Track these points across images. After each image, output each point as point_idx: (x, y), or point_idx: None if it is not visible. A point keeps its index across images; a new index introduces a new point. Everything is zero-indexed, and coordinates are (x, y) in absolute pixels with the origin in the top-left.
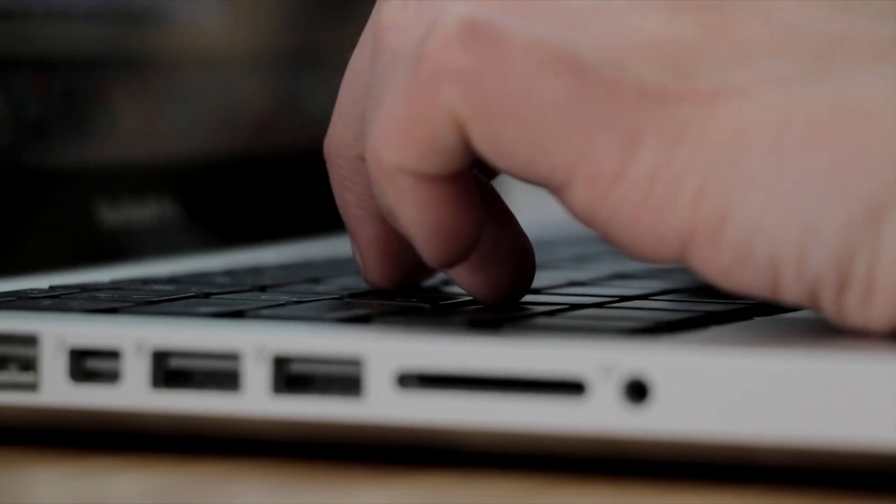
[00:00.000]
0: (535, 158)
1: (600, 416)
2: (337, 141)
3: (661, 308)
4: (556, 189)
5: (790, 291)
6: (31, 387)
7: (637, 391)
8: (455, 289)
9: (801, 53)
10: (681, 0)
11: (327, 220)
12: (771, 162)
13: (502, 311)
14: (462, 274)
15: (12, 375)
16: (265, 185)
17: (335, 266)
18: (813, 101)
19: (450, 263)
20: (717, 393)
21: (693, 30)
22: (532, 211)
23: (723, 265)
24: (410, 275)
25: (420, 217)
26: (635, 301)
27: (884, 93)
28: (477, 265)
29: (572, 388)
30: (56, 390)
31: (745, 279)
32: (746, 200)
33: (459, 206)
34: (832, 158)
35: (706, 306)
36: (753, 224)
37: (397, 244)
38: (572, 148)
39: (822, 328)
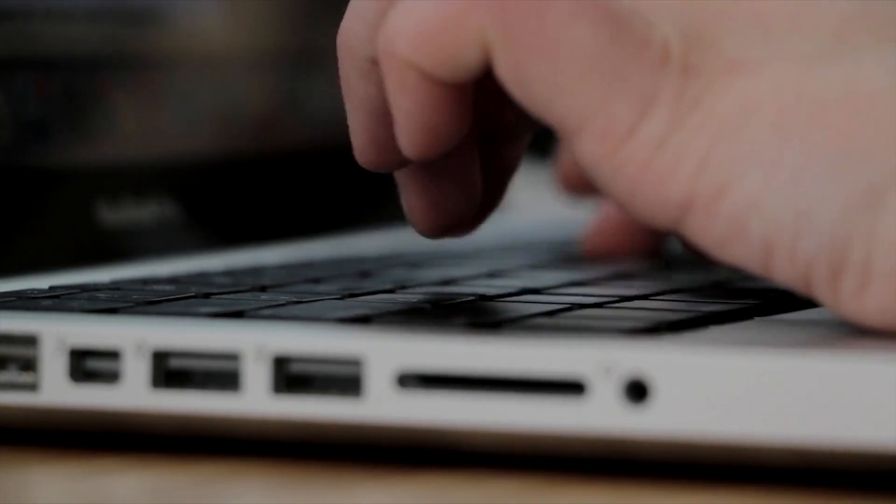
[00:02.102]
0: (553, 100)
1: (600, 416)
2: (352, 37)
3: (661, 308)
4: (567, 133)
5: (782, 272)
6: (31, 387)
7: (637, 391)
8: (455, 289)
9: (819, 29)
10: None
11: (327, 220)
12: (774, 140)
13: (502, 312)
14: (413, 187)
15: (12, 375)
16: (265, 185)
17: (335, 266)
18: (823, 82)
19: (424, 157)
20: (717, 393)
21: (722, 4)
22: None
23: (717, 236)
24: (391, 160)
25: (414, 111)
26: (635, 301)
27: (890, 77)
28: (432, 185)
29: (572, 388)
30: (56, 390)
31: (738, 253)
32: (746, 175)
33: (454, 111)
34: (834, 142)
35: (706, 306)
36: (750, 199)
37: (386, 133)
38: (591, 98)
39: (821, 328)
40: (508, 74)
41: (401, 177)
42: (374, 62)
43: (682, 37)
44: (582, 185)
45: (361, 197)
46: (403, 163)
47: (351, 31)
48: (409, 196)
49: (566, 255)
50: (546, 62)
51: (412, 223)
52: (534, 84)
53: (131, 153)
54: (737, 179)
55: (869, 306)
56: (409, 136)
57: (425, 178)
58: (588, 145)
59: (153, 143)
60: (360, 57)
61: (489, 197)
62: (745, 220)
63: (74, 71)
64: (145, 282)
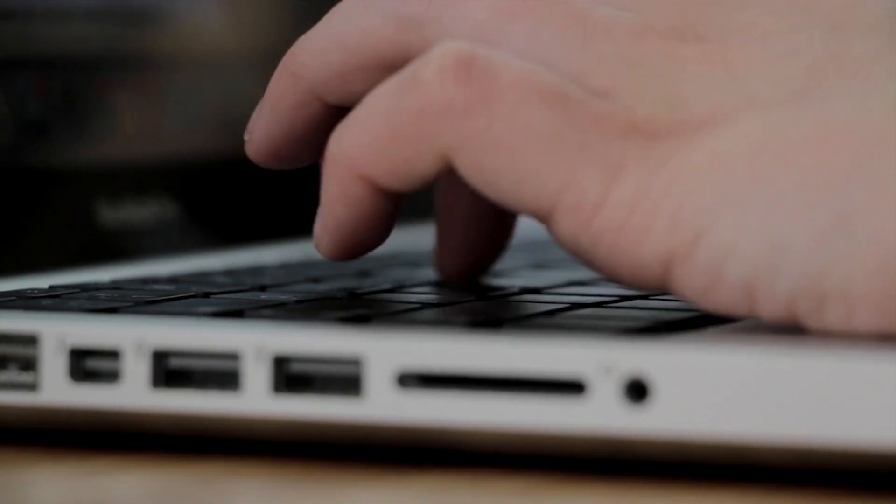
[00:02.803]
0: (520, 188)
1: (600, 415)
2: (306, 69)
3: (661, 308)
4: (542, 218)
5: (767, 311)
6: (31, 387)
7: (637, 391)
8: (454, 289)
9: (789, 75)
10: (687, 27)
11: None
12: (743, 183)
13: (502, 312)
14: (448, 246)
15: (12, 375)
16: (265, 185)
17: (335, 266)
18: (789, 122)
19: (337, 259)
20: (716, 393)
21: (693, 62)
22: None
23: (699, 286)
24: (282, 164)
25: (347, 221)
26: (635, 301)
27: (861, 109)
28: (461, 246)
29: (572, 387)
30: (56, 390)
31: (722, 299)
32: (719, 221)
33: (385, 222)
34: (803, 176)
35: None
36: (725, 244)
37: (289, 147)
38: (557, 177)
39: None
40: (472, 175)
41: (446, 222)
42: (317, 98)
43: (650, 105)
44: None
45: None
46: (287, 166)
47: (307, 64)
48: (448, 240)
49: (566, 254)
50: (504, 154)
51: (439, 265)
52: (498, 178)
53: (131, 153)
54: (710, 227)
55: (860, 331)
56: (333, 241)
57: (471, 227)
58: (563, 223)
59: (153, 143)
60: (304, 89)
61: (492, 252)
62: (721, 265)
63: (74, 71)
64: (145, 281)
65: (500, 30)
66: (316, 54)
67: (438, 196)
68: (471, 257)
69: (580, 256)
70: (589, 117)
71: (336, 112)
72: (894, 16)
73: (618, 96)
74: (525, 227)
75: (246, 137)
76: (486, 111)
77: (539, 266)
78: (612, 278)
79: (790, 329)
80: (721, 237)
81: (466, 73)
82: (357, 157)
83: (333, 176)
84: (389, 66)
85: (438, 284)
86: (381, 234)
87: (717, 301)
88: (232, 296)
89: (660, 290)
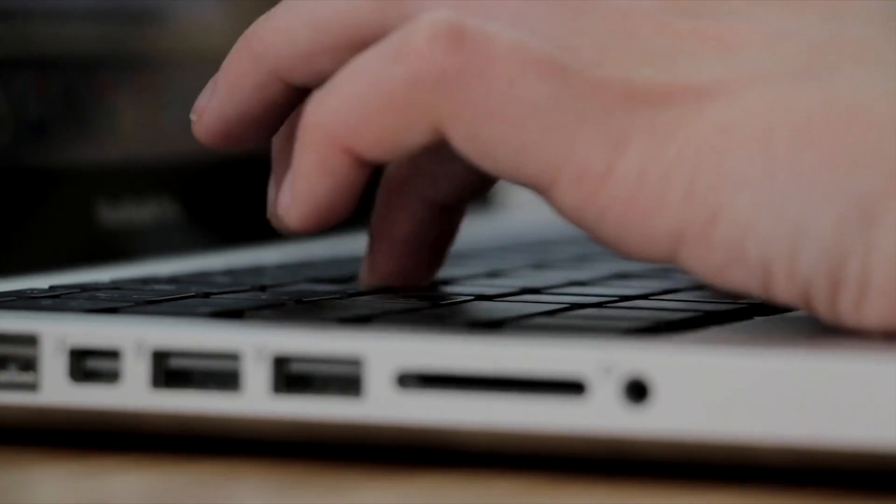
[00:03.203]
0: (519, 159)
1: (600, 416)
2: (268, 48)
3: (661, 308)
4: (542, 190)
5: (782, 291)
6: (31, 387)
7: (637, 391)
8: (455, 289)
9: (789, 53)
10: (678, 8)
11: None
12: (759, 161)
13: (502, 312)
14: (383, 255)
15: (12, 375)
16: (265, 185)
17: (335, 266)
18: (801, 99)
19: (303, 232)
20: (716, 393)
21: (685, 35)
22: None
23: (715, 264)
24: (231, 144)
25: (321, 192)
26: (635, 301)
27: (872, 91)
28: (400, 252)
29: (572, 388)
30: (56, 390)
31: (738, 278)
32: (736, 199)
33: (356, 194)
34: (822, 158)
35: (706, 306)
36: (744, 222)
37: (240, 127)
38: (558, 148)
39: (821, 328)
40: (468, 146)
41: (392, 224)
42: (280, 79)
43: (646, 72)
44: None
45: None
46: (234, 147)
47: (272, 44)
48: (378, 256)
49: (566, 254)
50: (502, 125)
51: (369, 269)
52: (495, 150)
53: (131, 153)
54: (727, 204)
55: (868, 319)
56: (303, 213)
57: (388, 241)
58: (566, 195)
59: (153, 143)
60: (267, 70)
61: (434, 261)
62: (741, 243)
63: (74, 71)
64: (145, 282)
65: (486, 6)
66: (282, 33)
67: (379, 203)
68: (409, 265)
69: (584, 227)
70: (587, 85)
71: (297, 93)
72: (887, 7)
73: (610, 67)
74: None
75: (193, 118)
76: (483, 81)
77: (539, 266)
78: (618, 250)
79: (790, 329)
80: (739, 216)
81: (459, 43)
82: (339, 127)
83: (311, 145)
84: (362, 45)
85: (438, 285)
86: (352, 206)
87: (731, 279)
88: (232, 296)
89: (667, 262)
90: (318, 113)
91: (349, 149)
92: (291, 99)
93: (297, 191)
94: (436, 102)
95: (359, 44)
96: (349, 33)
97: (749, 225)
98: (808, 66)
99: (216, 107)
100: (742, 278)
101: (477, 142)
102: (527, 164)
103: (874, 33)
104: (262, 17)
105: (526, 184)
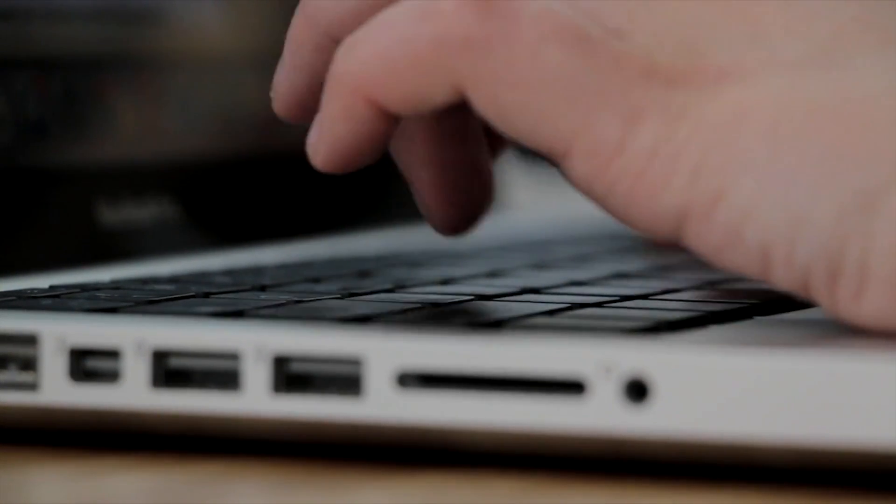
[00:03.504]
0: (537, 126)
1: (600, 415)
2: (319, 10)
3: (661, 308)
4: (557, 157)
5: (780, 278)
6: (31, 387)
7: (637, 391)
8: (455, 289)
9: (813, 37)
10: None
11: (327, 220)
12: (766, 146)
13: (502, 311)
14: (429, 188)
15: (12, 375)
16: (265, 185)
17: (335, 266)
18: (815, 88)
19: (328, 171)
20: (717, 393)
21: (713, 10)
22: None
23: (714, 243)
24: (304, 117)
25: (347, 138)
26: (635, 301)
27: (882, 82)
28: (448, 182)
29: (572, 387)
30: (56, 390)
31: (736, 260)
32: (739, 183)
33: (382, 141)
34: (827, 148)
35: (706, 306)
36: (745, 207)
37: (311, 97)
38: (574, 118)
39: (821, 328)
40: (487, 109)
41: (414, 180)
42: (333, 40)
43: (669, 50)
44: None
45: (361, 197)
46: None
47: (322, 5)
48: (424, 194)
49: (566, 254)
50: (522, 91)
51: (434, 224)
52: (514, 115)
53: (131, 153)
54: (731, 186)
55: (866, 309)
56: (328, 154)
57: (440, 175)
58: (578, 166)
59: (153, 143)
60: (321, 32)
61: (477, 201)
62: (740, 226)
63: (74, 71)
64: (145, 281)
65: None
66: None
67: (411, 154)
68: (463, 206)
69: (593, 199)
70: (608, 59)
71: None
72: None
73: (636, 37)
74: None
75: (271, 94)
76: (506, 48)
77: (539, 266)
78: (624, 223)
79: (790, 329)
80: (741, 200)
81: (487, 7)
82: (366, 79)
83: (338, 93)
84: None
85: (438, 285)
86: (378, 152)
87: (730, 260)
88: (232, 296)
89: (671, 239)
90: (346, 62)
91: (373, 100)
92: None
93: (323, 134)
94: (459, 64)
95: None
96: None
97: (750, 210)
98: (827, 53)
99: (284, 78)
100: (741, 261)
101: (497, 106)
102: (543, 132)
103: None
104: None
105: (541, 150)
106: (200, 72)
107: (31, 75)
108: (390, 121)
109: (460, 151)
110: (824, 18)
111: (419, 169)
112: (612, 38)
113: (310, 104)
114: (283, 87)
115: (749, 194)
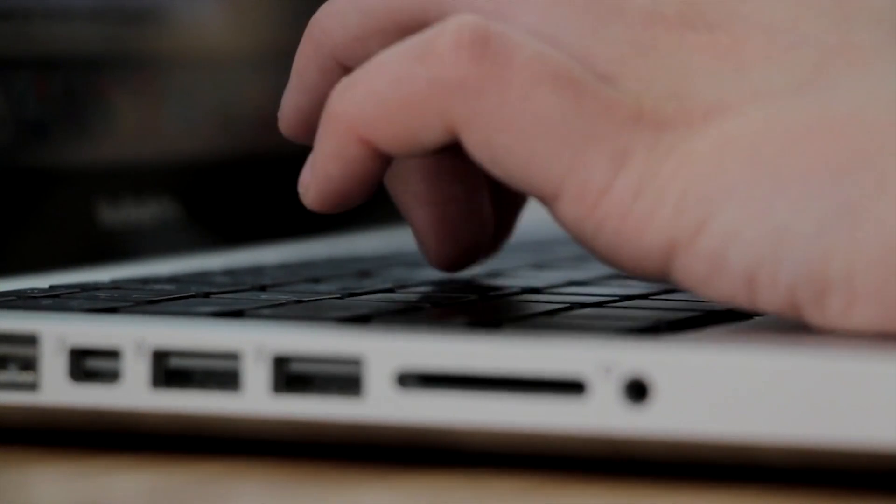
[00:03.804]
0: (527, 169)
1: (600, 415)
2: (326, 34)
3: (661, 308)
4: (546, 200)
5: (768, 301)
6: (31, 386)
7: (637, 391)
8: (454, 289)
9: (797, 65)
10: (696, 13)
11: (327, 220)
12: (747, 171)
13: (502, 311)
14: (424, 223)
15: (12, 375)
16: (265, 185)
17: (335, 266)
18: (795, 112)
19: (320, 211)
20: (717, 393)
21: (702, 51)
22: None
23: (700, 274)
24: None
25: (337, 178)
26: (635, 301)
27: (862, 99)
28: (444, 218)
29: (572, 387)
30: (56, 390)
31: (722, 288)
32: (722, 209)
33: (373, 183)
34: (807, 164)
35: (706, 306)
36: (729, 232)
37: (316, 117)
38: (563, 162)
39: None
40: (479, 152)
41: (410, 214)
42: (339, 63)
43: (657, 95)
44: None
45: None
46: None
47: (328, 29)
48: (421, 231)
49: (566, 254)
50: (513, 134)
51: (427, 258)
52: (505, 158)
53: (131, 153)
54: (713, 215)
55: (857, 322)
56: (318, 193)
57: (436, 213)
58: (567, 209)
59: (153, 143)
60: (326, 55)
61: (502, 226)
62: (723, 253)
63: (74, 71)
64: (145, 281)
65: (516, 4)
66: (336, 17)
67: (407, 191)
68: (459, 243)
69: (582, 242)
70: (599, 104)
71: None
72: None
73: (625, 83)
74: (525, 227)
75: (279, 115)
76: (499, 91)
77: (539, 266)
78: (613, 265)
79: (790, 329)
80: (724, 225)
81: (482, 51)
82: (360, 118)
83: (332, 132)
84: (407, 30)
85: (438, 284)
86: (368, 193)
87: (717, 290)
88: (232, 296)
89: (661, 279)
90: (341, 102)
91: (367, 140)
92: None
93: (316, 173)
94: (452, 107)
95: (405, 29)
96: (393, 19)
97: (734, 233)
98: (811, 78)
99: (290, 98)
100: (727, 289)
101: (488, 149)
102: (534, 175)
103: (881, 40)
104: (323, 5)
105: (533, 194)
106: (200, 72)
107: (31, 75)
108: (382, 161)
109: (457, 190)
110: (808, 44)
111: (415, 207)
112: (602, 84)
113: (314, 125)
114: (289, 107)
115: (731, 219)
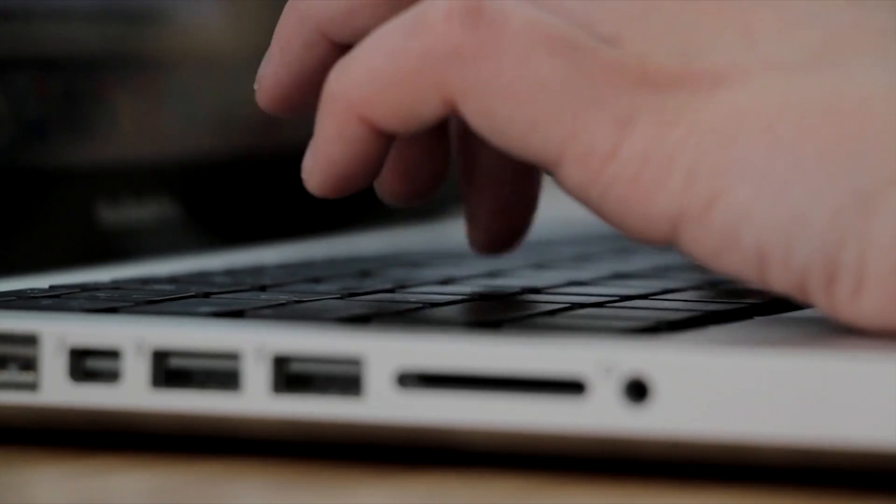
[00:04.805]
0: (528, 136)
1: (600, 415)
2: (312, 7)
3: (661, 308)
4: (549, 166)
5: (777, 280)
6: (31, 386)
7: (637, 391)
8: (455, 289)
9: (808, 39)
10: None
11: (327, 220)
12: (762, 148)
13: (502, 311)
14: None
15: (12, 375)
16: (265, 185)
17: (335, 266)
18: (810, 89)
19: (323, 195)
20: (717, 393)
21: (707, 14)
22: None
23: (710, 247)
24: (289, 110)
25: (340, 159)
26: (635, 301)
27: (879, 83)
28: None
29: (572, 387)
30: (56, 390)
31: (733, 263)
32: (736, 185)
33: (376, 163)
34: (824, 148)
35: (706, 306)
36: (741, 210)
37: (298, 91)
38: (565, 126)
39: (821, 328)
40: (479, 122)
41: (472, 186)
42: (324, 37)
43: (663, 54)
44: None
45: (361, 197)
46: (298, 113)
47: (313, 2)
48: (478, 207)
49: (566, 254)
50: (512, 101)
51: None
52: (506, 126)
53: (131, 153)
54: (727, 190)
55: (865, 309)
56: (323, 177)
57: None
58: (571, 173)
59: (153, 143)
60: (312, 28)
61: (522, 217)
62: (736, 229)
63: (74, 71)
64: (145, 281)
65: None
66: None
67: (478, 157)
68: (500, 228)
69: (588, 206)
70: (599, 66)
71: (343, 53)
72: None
73: (628, 44)
74: None
75: (255, 87)
76: (495, 58)
77: (539, 266)
78: (619, 229)
79: (790, 329)
80: (737, 201)
81: (476, 19)
82: (357, 97)
83: (331, 114)
84: (400, 3)
85: (438, 284)
86: (372, 174)
87: (727, 264)
88: (232, 296)
89: (665, 245)
90: (338, 82)
91: (367, 119)
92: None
93: (318, 156)
94: (449, 77)
95: (396, 1)
96: None
97: (746, 212)
98: (823, 55)
99: (271, 71)
100: (737, 264)
101: (488, 118)
102: (535, 141)
103: (893, 22)
104: None
105: (534, 160)
106: (200, 72)
107: (31, 75)
108: (384, 140)
109: (522, 164)
110: (820, 22)
111: (480, 176)
112: (604, 46)
113: (295, 100)
114: (270, 81)
115: (745, 196)
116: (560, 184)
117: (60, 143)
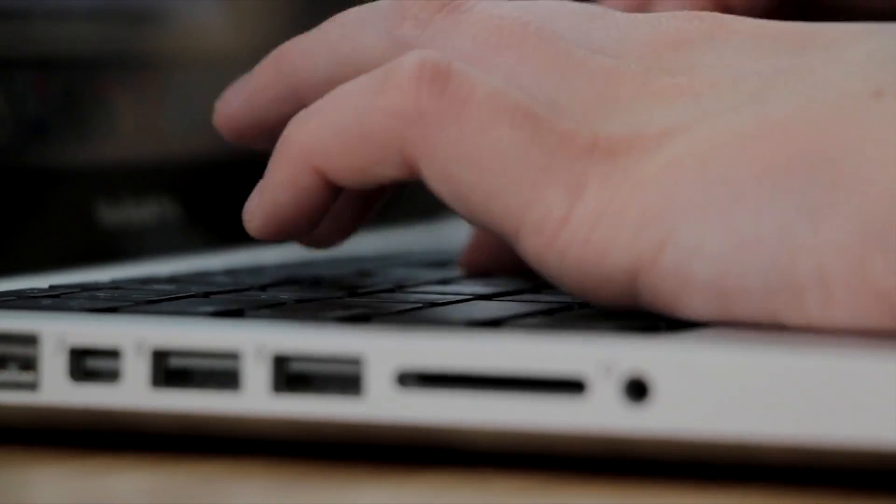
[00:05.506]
0: (488, 204)
1: (600, 415)
2: (296, 64)
3: None
4: (509, 236)
5: (743, 311)
6: (31, 386)
7: (637, 390)
8: (455, 289)
9: (745, 86)
10: (659, 67)
11: None
12: (700, 184)
13: (502, 311)
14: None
15: (12, 375)
16: None
17: (335, 266)
18: (738, 123)
19: (259, 238)
20: (717, 392)
21: (662, 91)
22: None
23: (668, 290)
24: (252, 141)
25: (287, 206)
26: None
27: (799, 106)
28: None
29: (572, 386)
30: (56, 390)
31: (694, 304)
32: (680, 224)
33: (319, 214)
34: (759, 171)
35: None
36: (691, 246)
37: (266, 124)
38: (522, 196)
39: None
40: (440, 188)
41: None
42: (297, 98)
43: (614, 125)
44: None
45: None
46: (249, 145)
47: (296, 64)
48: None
49: None
50: (474, 170)
51: (464, 263)
52: (467, 194)
53: (131, 153)
54: (673, 231)
55: (839, 317)
56: (264, 220)
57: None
58: (529, 242)
59: (153, 143)
60: (288, 87)
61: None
62: (689, 267)
63: (74, 71)
64: (145, 281)
65: (484, 60)
66: (306, 57)
67: None
68: (497, 256)
69: (548, 275)
70: (556, 137)
71: None
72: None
73: (584, 119)
74: None
75: (216, 105)
76: (458, 125)
77: None
78: (580, 295)
79: (790, 329)
80: (685, 239)
81: (443, 85)
82: (315, 148)
83: (285, 160)
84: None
85: (438, 284)
86: (314, 224)
87: (689, 306)
88: (232, 296)
89: (628, 304)
90: (298, 131)
91: (321, 171)
92: None
93: (264, 200)
94: (411, 140)
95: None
96: (365, 70)
97: (695, 247)
98: (757, 95)
99: (236, 99)
100: (699, 303)
101: (449, 184)
102: (494, 210)
103: (833, 55)
104: (296, 38)
105: (495, 229)
106: (200, 72)
107: (31, 75)
108: (332, 192)
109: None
110: (759, 73)
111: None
112: (560, 116)
113: (248, 134)
114: (231, 108)
115: (692, 232)
116: (521, 253)
117: (60, 143)
